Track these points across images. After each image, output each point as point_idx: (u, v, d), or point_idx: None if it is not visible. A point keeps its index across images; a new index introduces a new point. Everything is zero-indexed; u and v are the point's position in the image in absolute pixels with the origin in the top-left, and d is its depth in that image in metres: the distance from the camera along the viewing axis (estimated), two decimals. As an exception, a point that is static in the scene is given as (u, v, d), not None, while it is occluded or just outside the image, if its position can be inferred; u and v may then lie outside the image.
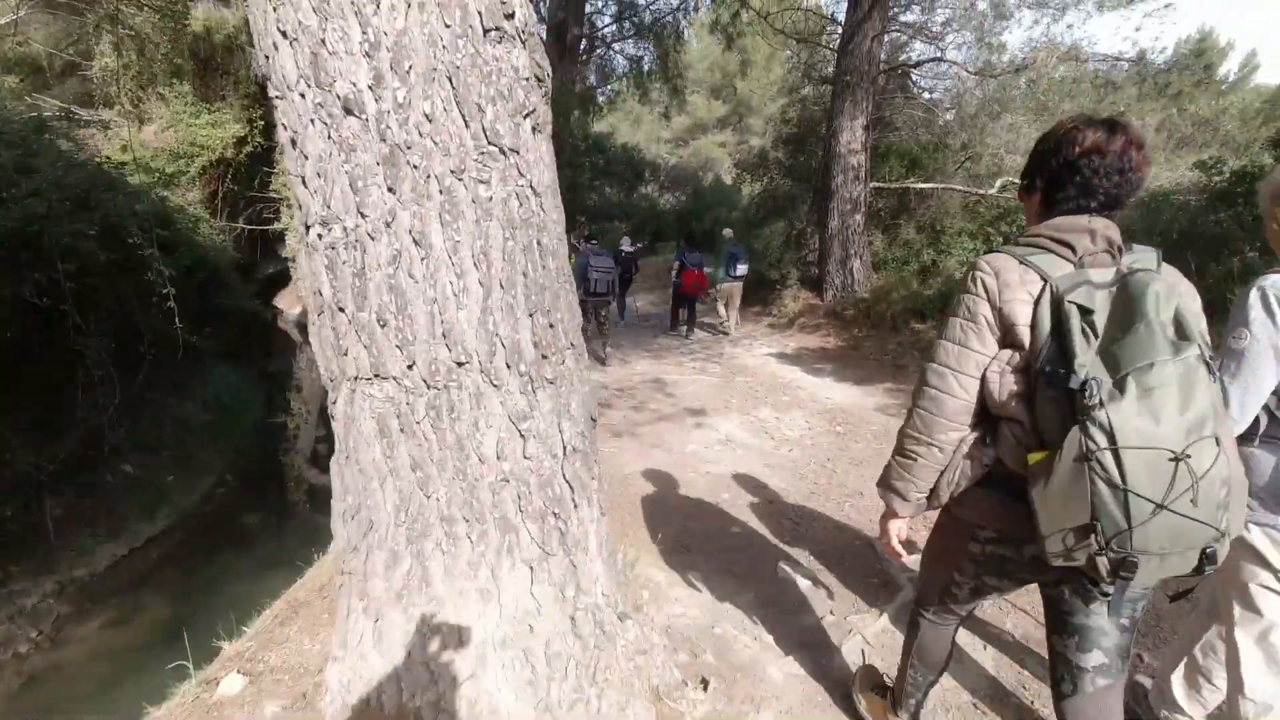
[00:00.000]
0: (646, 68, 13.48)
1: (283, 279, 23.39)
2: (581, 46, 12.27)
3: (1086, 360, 1.17)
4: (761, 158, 15.65)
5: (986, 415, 1.43)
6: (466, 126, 1.87)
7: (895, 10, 11.00)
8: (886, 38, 10.83)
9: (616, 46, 13.68)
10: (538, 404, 2.10)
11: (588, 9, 13.31)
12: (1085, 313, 1.21)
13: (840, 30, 11.17)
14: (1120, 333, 1.17)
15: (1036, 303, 1.29)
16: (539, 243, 2.10)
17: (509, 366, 2.03)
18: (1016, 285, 1.32)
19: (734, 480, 5.07)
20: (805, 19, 13.55)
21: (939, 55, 10.50)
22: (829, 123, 11.09)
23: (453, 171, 1.87)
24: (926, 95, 12.87)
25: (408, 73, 1.78)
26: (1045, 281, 1.29)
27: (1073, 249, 1.31)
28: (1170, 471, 1.08)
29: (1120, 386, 1.12)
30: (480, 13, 1.85)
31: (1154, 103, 13.59)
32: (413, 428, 1.97)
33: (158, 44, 17.33)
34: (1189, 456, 1.07)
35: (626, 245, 12.25)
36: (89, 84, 18.32)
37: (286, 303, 22.63)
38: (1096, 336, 1.20)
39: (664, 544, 3.95)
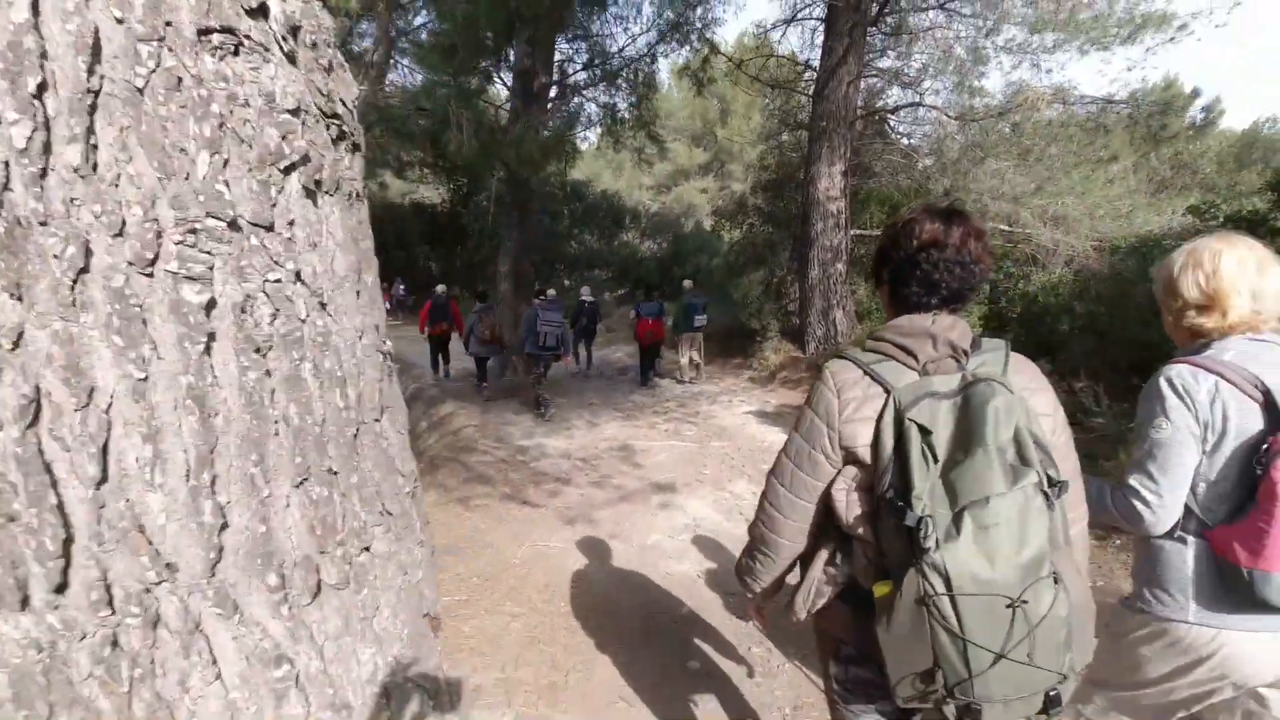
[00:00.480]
0: (620, 115, 12.99)
1: None
2: (551, 94, 11.75)
3: (924, 491, 1.12)
4: (740, 204, 15.17)
5: (840, 532, 1.34)
6: (162, 186, 1.13)
7: (870, 56, 10.63)
8: (863, 83, 10.41)
9: (588, 93, 13.19)
10: (309, 630, 1.29)
11: (558, 57, 12.90)
12: (925, 433, 1.15)
13: (815, 76, 10.77)
14: (961, 454, 1.12)
15: (880, 418, 1.22)
16: (316, 368, 1.32)
17: (249, 576, 1.23)
18: (859, 402, 1.26)
19: (699, 581, 4.25)
20: (779, 65, 13.19)
21: (917, 100, 10.06)
22: (806, 169, 10.58)
23: (131, 262, 1.10)
24: (905, 141, 12.46)
25: (37, 97, 1.04)
26: (888, 394, 1.22)
27: (915, 356, 1.25)
28: (1008, 618, 1.05)
29: (957, 523, 1.08)
30: (189, 3, 1.13)
31: (1130, 147, 13.27)
32: (69, 692, 1.16)
33: None
34: (1025, 602, 1.05)
35: (586, 295, 11.87)
36: None
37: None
38: (937, 460, 1.15)
39: (601, 693, 3.10)
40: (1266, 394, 1.38)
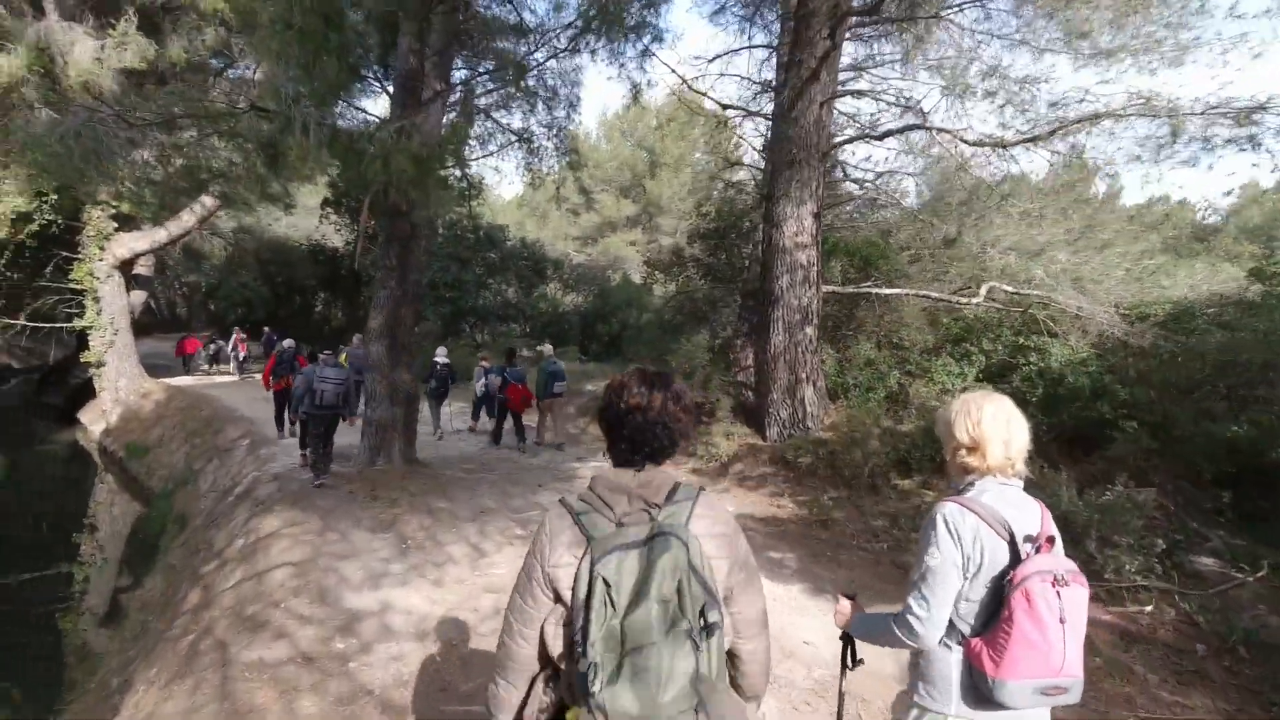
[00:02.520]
0: (536, 143, 10.66)
1: (86, 389, 18.50)
2: (450, 102, 9.24)
3: (598, 640, 1.28)
4: (676, 255, 12.96)
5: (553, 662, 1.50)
6: None
7: (852, 66, 8.73)
8: (837, 103, 8.38)
9: (499, 116, 10.78)
10: None
11: (464, 73, 10.44)
12: (607, 585, 1.30)
13: (774, 96, 8.73)
14: (634, 605, 1.29)
15: (580, 563, 1.37)
16: None
17: None
18: (565, 547, 1.42)
19: None
20: (732, 86, 11.17)
21: (920, 123, 7.99)
22: (767, 209, 8.39)
23: None
24: (867, 180, 10.53)
25: None
26: (588, 543, 1.37)
27: (613, 509, 1.41)
28: None
29: (620, 668, 1.27)
30: None
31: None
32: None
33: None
34: None
35: (442, 356, 11.26)
36: None
37: (90, 417, 17.73)
38: (616, 609, 1.30)
39: None
40: (1010, 534, 1.70)
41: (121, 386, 16.47)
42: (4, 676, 5.84)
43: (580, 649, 1.30)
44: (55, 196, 14.70)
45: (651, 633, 1.27)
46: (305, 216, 24.13)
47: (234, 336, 19.84)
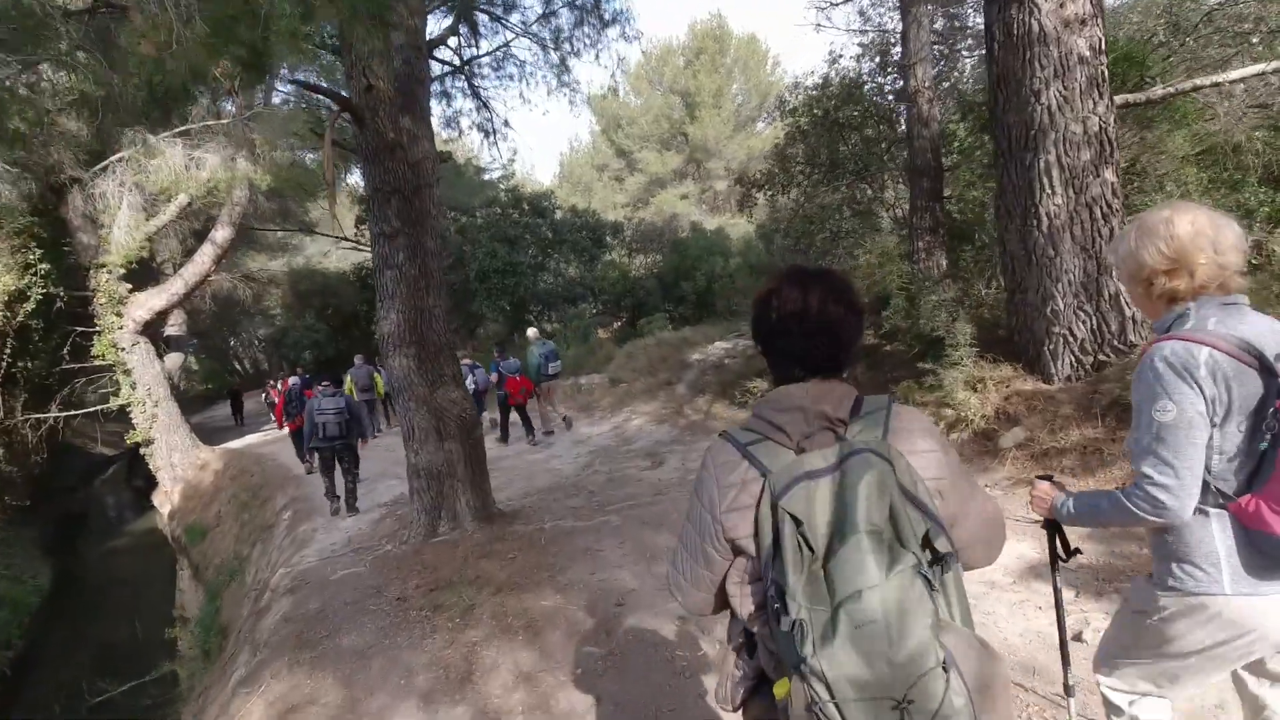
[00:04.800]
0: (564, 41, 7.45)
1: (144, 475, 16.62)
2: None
3: (799, 590, 0.98)
4: (780, 160, 9.42)
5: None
6: None
7: None
8: None
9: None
10: None
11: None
12: (798, 523, 1.01)
13: None
14: (838, 543, 0.98)
15: (758, 504, 1.08)
16: None
17: None
18: (738, 489, 1.13)
19: None
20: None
21: None
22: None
23: None
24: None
25: None
26: (764, 478, 1.08)
27: (788, 434, 1.11)
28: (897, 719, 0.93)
29: (834, 623, 0.94)
30: None
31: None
32: None
33: None
34: (911, 702, 0.92)
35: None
36: None
37: (160, 499, 15.87)
38: (814, 551, 1.00)
39: None
40: (1259, 358, 1.32)
41: (176, 462, 14.37)
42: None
43: (778, 605, 0.99)
44: (46, 266, 12.52)
45: (868, 573, 0.94)
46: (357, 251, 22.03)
47: (268, 385, 17.68)
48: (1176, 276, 1.41)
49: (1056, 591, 1.84)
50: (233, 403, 22.51)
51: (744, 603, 1.17)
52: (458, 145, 26.96)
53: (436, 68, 7.32)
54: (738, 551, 1.16)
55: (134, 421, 14.12)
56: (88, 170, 12.71)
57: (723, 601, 1.24)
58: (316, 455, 7.34)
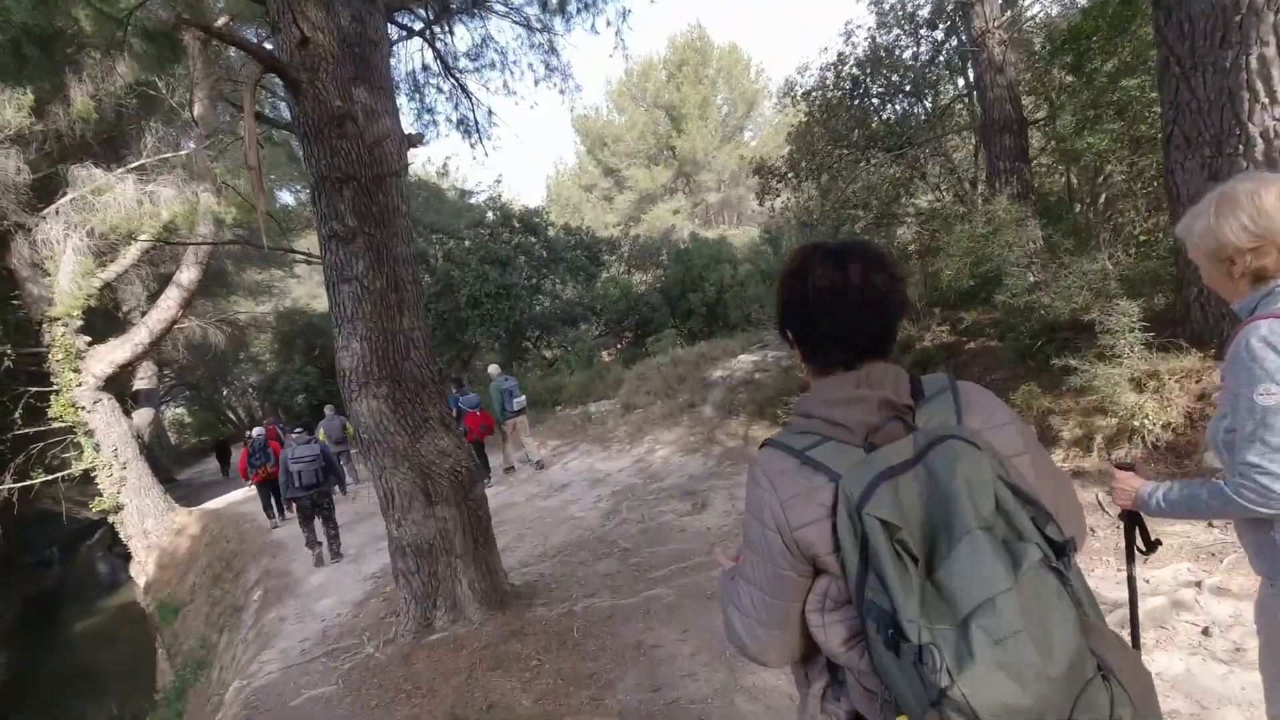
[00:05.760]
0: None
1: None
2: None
3: (913, 608, 0.80)
4: (805, 139, 8.14)
5: (830, 661, 1.02)
6: None
7: None
8: None
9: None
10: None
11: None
12: (892, 529, 0.84)
13: None
14: (945, 546, 0.82)
15: (835, 512, 0.90)
16: None
17: None
18: (803, 499, 0.94)
19: None
20: None
21: None
22: None
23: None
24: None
25: None
26: (835, 484, 0.91)
27: (851, 429, 0.94)
28: None
29: (967, 644, 0.77)
30: None
31: None
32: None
33: None
34: None
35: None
36: None
37: (136, 569, 14.30)
38: (915, 559, 0.83)
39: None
40: None
41: (149, 528, 12.89)
42: None
43: (891, 631, 0.82)
44: (-9, 319, 11.16)
45: (995, 578, 0.79)
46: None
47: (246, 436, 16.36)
48: (1264, 254, 1.29)
49: (1132, 587, 1.53)
50: (219, 454, 21.36)
51: (830, 633, 0.97)
52: (431, 166, 25.83)
53: (399, 36, 6.06)
54: (819, 571, 0.97)
55: (100, 487, 12.67)
56: (32, 215, 11.47)
57: (809, 640, 1.01)
58: (295, 505, 7.08)
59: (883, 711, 0.93)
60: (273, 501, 9.68)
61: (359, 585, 6.03)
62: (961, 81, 8.01)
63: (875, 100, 7.62)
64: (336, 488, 7.22)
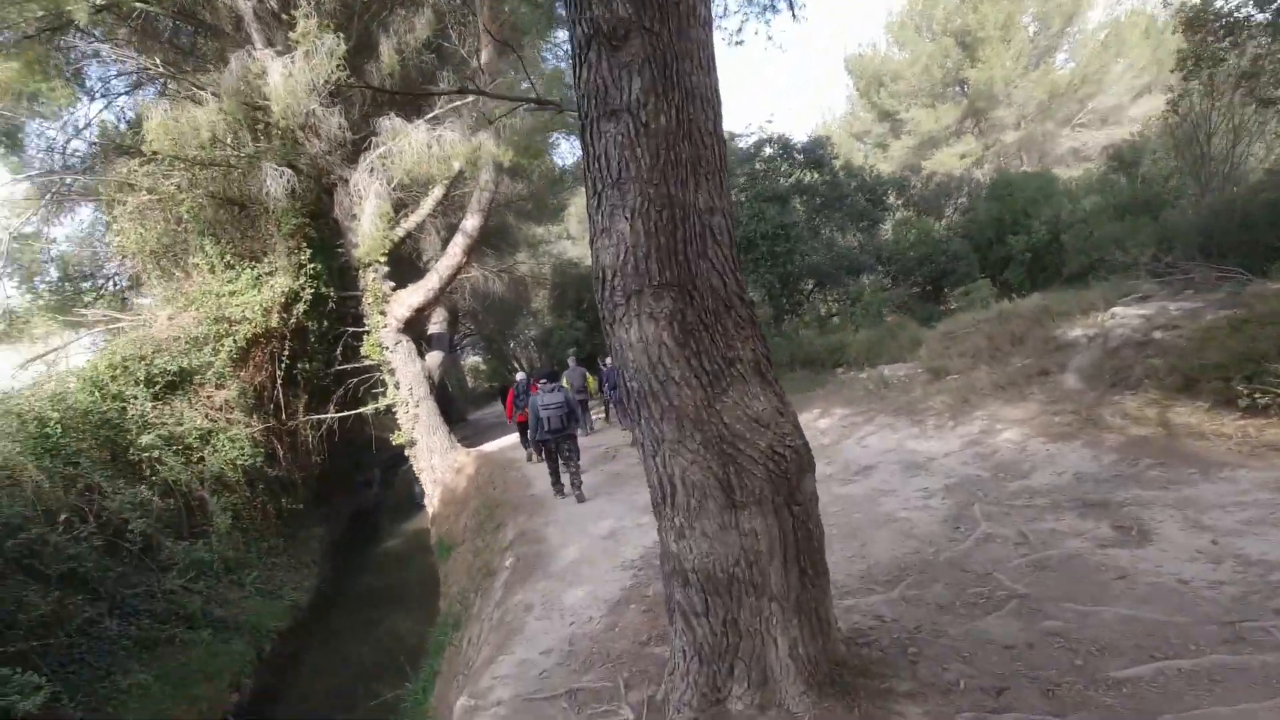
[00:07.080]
0: None
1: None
2: None
3: None
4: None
5: None
6: None
7: None
8: None
9: None
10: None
11: None
12: None
13: None
14: None
15: None
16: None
17: None
18: None
19: None
20: None
21: None
22: None
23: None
24: None
25: None
26: None
27: None
28: None
29: None
30: None
31: None
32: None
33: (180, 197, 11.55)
34: None
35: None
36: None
37: (427, 501, 15.42)
38: None
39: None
40: None
41: (435, 464, 13.58)
42: None
43: None
44: (315, 266, 12.23)
45: None
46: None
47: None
48: None
49: None
50: (503, 398, 22.87)
51: None
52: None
53: None
54: None
55: (399, 422, 13.60)
56: (350, 168, 12.33)
57: None
58: (543, 447, 7.56)
59: None
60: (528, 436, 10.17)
61: (615, 575, 4.68)
62: None
63: None
64: (579, 430, 7.59)
